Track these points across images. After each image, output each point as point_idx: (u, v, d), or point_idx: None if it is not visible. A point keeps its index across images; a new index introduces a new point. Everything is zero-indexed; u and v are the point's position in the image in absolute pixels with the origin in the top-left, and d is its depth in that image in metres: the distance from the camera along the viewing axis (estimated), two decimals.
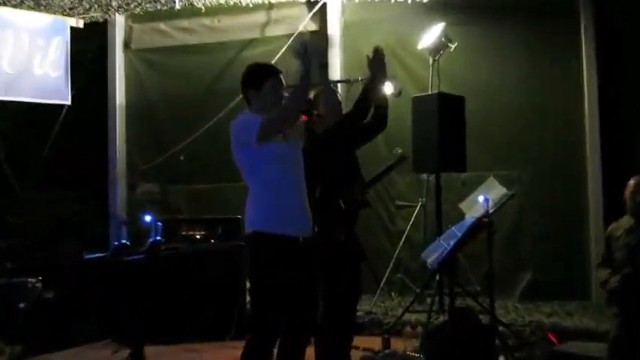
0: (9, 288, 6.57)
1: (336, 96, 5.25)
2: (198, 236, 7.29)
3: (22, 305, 6.82)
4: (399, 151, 6.11)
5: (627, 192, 5.10)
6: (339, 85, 7.73)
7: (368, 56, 4.91)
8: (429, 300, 6.86)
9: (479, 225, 5.48)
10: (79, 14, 8.53)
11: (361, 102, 4.89)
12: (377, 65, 4.90)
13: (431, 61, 7.44)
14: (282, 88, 4.19)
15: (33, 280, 7.00)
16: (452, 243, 5.36)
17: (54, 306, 6.13)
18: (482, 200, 5.54)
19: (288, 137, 4.16)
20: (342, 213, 4.79)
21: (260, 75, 4.19)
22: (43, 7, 8.28)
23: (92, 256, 2.45)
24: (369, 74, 4.92)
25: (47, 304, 6.72)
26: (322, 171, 4.49)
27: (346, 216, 4.83)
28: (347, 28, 8.54)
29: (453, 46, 7.35)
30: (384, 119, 5.15)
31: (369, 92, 4.87)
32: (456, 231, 5.45)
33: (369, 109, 4.96)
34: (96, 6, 8.55)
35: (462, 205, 6.20)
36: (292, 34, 8.26)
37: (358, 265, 5.05)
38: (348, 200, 4.87)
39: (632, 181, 5.08)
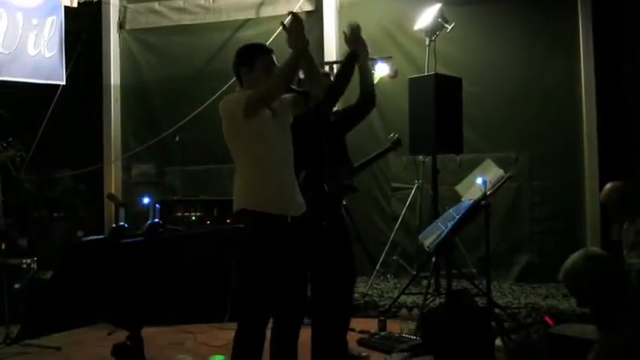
0: (4, 269, 6.55)
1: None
2: (193, 217, 7.28)
3: (17, 286, 6.81)
4: (395, 136, 6.07)
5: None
6: (334, 65, 7.69)
7: (344, 33, 4.88)
8: (424, 282, 6.87)
9: (476, 207, 5.46)
10: None
11: (341, 72, 4.90)
12: (354, 42, 4.86)
13: (427, 41, 7.40)
14: (275, 67, 4.15)
15: (28, 260, 6.98)
16: (449, 225, 5.35)
17: (50, 287, 6.10)
18: (480, 182, 5.51)
19: (277, 116, 4.13)
20: (324, 197, 4.75)
21: (252, 53, 4.16)
22: None
23: (90, 238, 2.45)
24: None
25: (43, 284, 6.70)
26: (306, 153, 4.45)
27: (330, 200, 4.80)
28: (342, 9, 8.50)
29: (449, 27, 7.30)
30: (371, 101, 5.13)
31: (352, 64, 4.87)
32: (454, 213, 5.44)
33: (348, 78, 4.92)
34: None
35: (459, 187, 6.18)
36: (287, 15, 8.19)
37: (347, 248, 5.03)
38: (332, 184, 4.85)
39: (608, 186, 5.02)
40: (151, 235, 3.00)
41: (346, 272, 4.99)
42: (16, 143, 4.04)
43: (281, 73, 4.01)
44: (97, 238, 2.57)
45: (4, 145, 4.00)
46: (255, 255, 3.99)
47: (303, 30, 3.94)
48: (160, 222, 2.60)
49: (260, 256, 3.99)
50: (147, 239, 3.00)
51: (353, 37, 4.85)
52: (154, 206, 2.42)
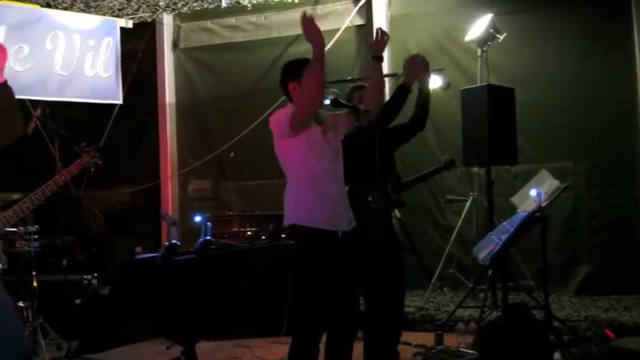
0: (65, 285, 6.68)
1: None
2: (249, 232, 7.34)
3: (78, 301, 6.93)
4: (448, 156, 6.06)
5: None
6: (386, 79, 7.69)
7: (405, 64, 4.98)
8: (482, 295, 6.79)
9: (531, 219, 5.39)
10: (127, 15, 8.63)
11: (390, 104, 4.97)
12: (411, 70, 4.97)
13: (479, 52, 7.35)
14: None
15: (89, 276, 7.11)
16: (503, 238, 5.29)
17: (109, 303, 6.24)
18: (535, 194, 5.44)
19: (327, 130, 4.16)
20: (371, 210, 4.76)
21: (298, 68, 4.19)
22: (93, 9, 8.39)
23: (143, 256, 2.49)
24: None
25: (103, 300, 6.83)
26: (353, 166, 4.48)
27: (377, 213, 4.80)
28: (393, 22, 8.49)
29: (501, 37, 7.25)
30: (422, 126, 5.19)
31: (403, 98, 4.94)
32: (508, 226, 5.38)
33: (397, 110, 5.01)
34: (144, 6, 8.65)
35: (514, 199, 6.10)
36: (338, 29, 8.25)
37: (396, 260, 5.01)
38: (379, 198, 4.85)
39: None
40: (201, 252, 3.04)
41: (396, 285, 4.98)
42: (92, 149, 4.09)
43: (308, 73, 4.01)
44: (150, 256, 2.61)
45: (80, 150, 4.04)
46: (306, 270, 4.01)
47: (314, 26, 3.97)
48: (212, 239, 2.62)
49: (311, 271, 4.00)
50: (198, 256, 3.04)
51: (412, 68, 4.93)
52: (206, 223, 2.45)
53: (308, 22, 3.92)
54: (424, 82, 5.18)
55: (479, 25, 7.27)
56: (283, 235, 7.02)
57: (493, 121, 6.46)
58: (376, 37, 4.33)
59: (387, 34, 4.33)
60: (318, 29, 3.94)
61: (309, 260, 4.00)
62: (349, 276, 4.16)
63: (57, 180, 3.84)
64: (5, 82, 3.54)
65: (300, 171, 4.08)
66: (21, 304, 6.08)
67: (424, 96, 5.20)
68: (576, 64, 7.76)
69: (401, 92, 4.99)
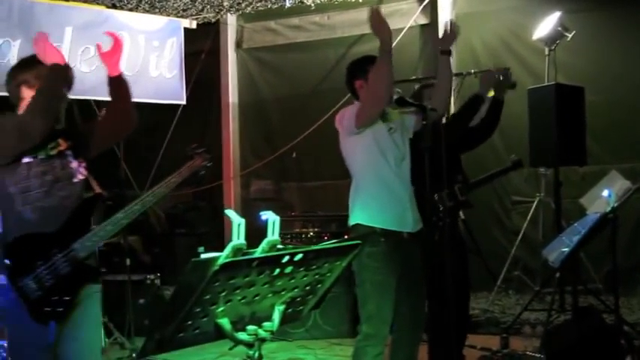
0: (128, 284, 6.76)
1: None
2: (311, 233, 7.32)
3: (141, 301, 7.01)
4: (516, 157, 5.97)
5: None
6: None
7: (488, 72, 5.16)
8: (548, 298, 6.66)
9: (603, 221, 5.26)
10: (191, 15, 8.70)
11: (467, 109, 4.93)
12: (486, 83, 5.09)
13: (547, 51, 7.22)
14: None
15: (152, 276, 7.19)
16: (574, 240, 5.17)
17: (173, 303, 6.28)
18: (606, 195, 5.30)
19: (394, 130, 4.11)
20: (438, 212, 4.70)
21: (364, 65, 4.19)
22: (157, 10, 8.48)
23: (208, 255, 2.49)
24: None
25: (167, 300, 6.89)
26: (420, 166, 4.44)
27: (444, 215, 4.73)
28: (458, 21, 8.35)
29: (569, 36, 7.10)
30: (493, 127, 5.12)
31: (475, 107, 4.90)
32: (579, 227, 5.25)
33: (469, 119, 4.97)
34: (208, 7, 8.71)
35: (583, 201, 5.97)
36: (403, 29, 8.17)
37: (462, 262, 4.94)
38: (447, 199, 4.78)
39: None
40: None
41: (461, 287, 4.91)
42: (203, 152, 4.09)
43: (375, 68, 3.97)
44: (215, 256, 2.60)
45: (191, 153, 4.02)
46: (371, 271, 3.97)
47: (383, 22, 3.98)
48: (278, 239, 2.59)
49: (376, 272, 3.96)
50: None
51: (489, 80, 4.91)
52: (273, 223, 2.42)
53: (375, 17, 3.90)
54: (501, 92, 5.11)
55: (546, 24, 7.14)
56: (346, 236, 6.97)
57: (561, 120, 6.34)
58: (445, 31, 4.29)
59: (456, 28, 4.27)
60: (385, 23, 3.91)
61: (374, 261, 3.96)
62: (414, 277, 4.10)
63: (168, 182, 3.84)
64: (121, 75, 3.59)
65: (366, 170, 4.05)
66: None
67: (498, 105, 5.13)
68: None
69: (474, 102, 4.94)
